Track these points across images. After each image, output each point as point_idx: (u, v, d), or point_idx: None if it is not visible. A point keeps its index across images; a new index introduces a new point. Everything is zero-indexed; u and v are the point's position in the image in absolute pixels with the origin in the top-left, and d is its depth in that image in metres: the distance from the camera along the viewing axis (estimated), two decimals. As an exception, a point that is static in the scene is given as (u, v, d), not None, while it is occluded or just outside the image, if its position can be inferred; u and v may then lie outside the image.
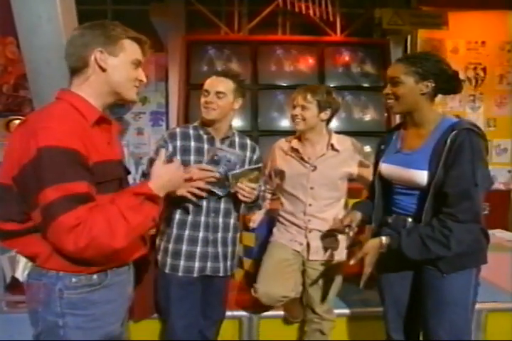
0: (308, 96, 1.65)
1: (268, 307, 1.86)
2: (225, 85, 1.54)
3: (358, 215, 1.47)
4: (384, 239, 1.28)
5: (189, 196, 1.41)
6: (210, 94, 1.53)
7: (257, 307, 1.84)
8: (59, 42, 1.61)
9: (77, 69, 1.05)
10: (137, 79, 1.09)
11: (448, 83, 1.32)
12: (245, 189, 1.47)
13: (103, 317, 1.05)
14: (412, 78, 1.29)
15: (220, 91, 1.53)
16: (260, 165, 1.58)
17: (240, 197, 1.49)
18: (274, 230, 1.83)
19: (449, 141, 1.23)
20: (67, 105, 1.02)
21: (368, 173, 1.63)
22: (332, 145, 1.70)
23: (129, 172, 1.21)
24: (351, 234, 1.45)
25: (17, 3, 1.60)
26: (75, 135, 0.95)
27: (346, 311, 1.98)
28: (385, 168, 1.40)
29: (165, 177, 1.07)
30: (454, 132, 1.24)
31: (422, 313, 1.35)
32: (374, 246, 1.28)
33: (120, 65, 1.05)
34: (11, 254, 2.17)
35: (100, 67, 1.03)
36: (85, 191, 0.94)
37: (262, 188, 1.74)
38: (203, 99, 1.54)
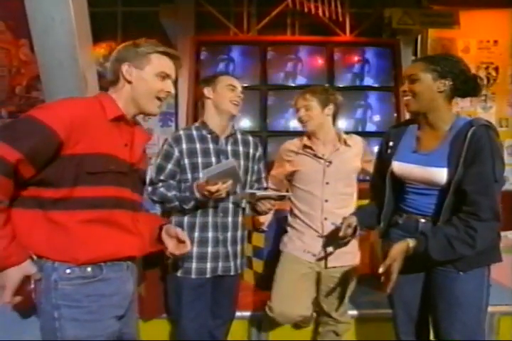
0: (308, 96, 1.70)
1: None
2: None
3: (353, 220, 1.47)
4: (411, 242, 1.24)
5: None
6: (238, 89, 1.61)
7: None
8: (72, 43, 1.63)
9: (112, 81, 1.16)
10: (162, 90, 1.15)
11: (466, 84, 1.31)
12: (267, 205, 1.54)
13: (100, 310, 1.07)
14: (429, 75, 1.30)
15: (241, 95, 1.64)
16: (286, 194, 1.64)
17: (258, 208, 1.57)
18: (285, 239, 1.79)
19: (468, 136, 1.23)
20: (93, 100, 1.13)
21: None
22: (345, 141, 1.73)
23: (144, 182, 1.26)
24: (347, 234, 1.46)
25: (31, 6, 1.63)
26: (65, 119, 1.01)
27: (355, 313, 1.97)
28: (399, 166, 1.38)
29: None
30: (472, 128, 1.24)
31: (434, 314, 1.33)
32: (402, 251, 1.24)
33: (144, 77, 1.13)
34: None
35: (126, 80, 1.13)
36: (10, 159, 0.95)
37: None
38: (232, 95, 1.59)
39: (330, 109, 1.72)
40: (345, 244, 1.62)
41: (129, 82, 1.13)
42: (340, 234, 1.45)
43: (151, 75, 1.13)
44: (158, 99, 1.15)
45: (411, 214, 1.36)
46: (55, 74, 1.66)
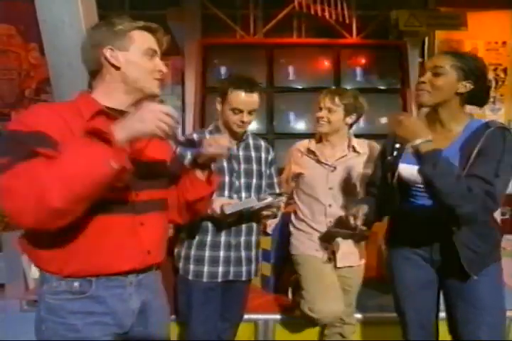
0: (336, 100, 1.64)
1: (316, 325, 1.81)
2: (257, 101, 1.54)
3: (364, 207, 1.36)
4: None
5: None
6: (244, 113, 1.50)
7: (273, 310, 1.84)
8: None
9: (94, 72, 1.02)
10: (155, 70, 1.01)
11: (481, 91, 1.28)
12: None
13: (88, 328, 0.96)
14: (455, 72, 1.24)
15: (254, 109, 1.54)
16: (270, 200, 1.52)
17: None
18: (295, 242, 1.77)
19: (484, 135, 1.20)
20: (68, 104, 1.00)
21: None
22: (354, 148, 1.70)
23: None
24: (359, 222, 1.33)
25: (42, 9, 1.66)
26: (51, 122, 0.90)
27: (362, 316, 1.96)
28: (405, 169, 1.32)
29: (134, 117, 0.86)
30: (490, 129, 1.21)
31: (455, 318, 1.31)
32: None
33: (132, 58, 0.99)
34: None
35: (113, 66, 0.98)
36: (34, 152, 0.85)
37: (281, 198, 1.74)
38: (235, 118, 1.50)
39: (352, 118, 1.68)
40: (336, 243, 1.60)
41: (117, 68, 0.98)
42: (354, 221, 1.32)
43: (138, 55, 0.99)
44: (156, 79, 1.02)
45: (419, 221, 1.31)
46: (65, 75, 1.68)
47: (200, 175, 1.14)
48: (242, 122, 1.51)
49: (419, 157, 1.16)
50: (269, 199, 1.49)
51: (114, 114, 0.98)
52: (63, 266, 0.95)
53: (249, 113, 1.52)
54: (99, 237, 0.95)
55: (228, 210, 1.41)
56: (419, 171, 1.18)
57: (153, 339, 1.09)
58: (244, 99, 1.50)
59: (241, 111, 1.51)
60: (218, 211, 1.43)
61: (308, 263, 1.73)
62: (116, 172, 0.83)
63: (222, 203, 1.44)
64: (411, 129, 1.17)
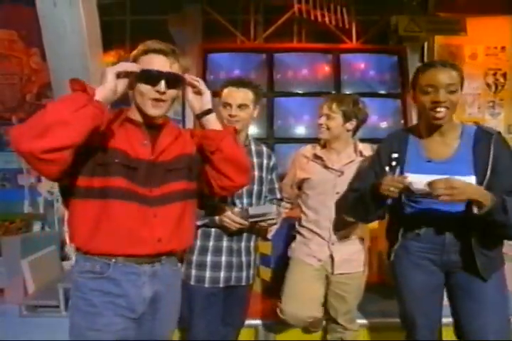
0: (334, 106, 1.65)
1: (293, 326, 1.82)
2: (246, 96, 1.53)
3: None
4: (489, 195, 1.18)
5: None
6: (233, 107, 1.52)
7: (274, 315, 1.82)
8: (83, 51, 1.68)
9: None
10: (153, 90, 1.10)
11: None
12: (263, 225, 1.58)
13: (102, 305, 1.10)
14: (460, 86, 1.28)
15: (243, 104, 1.52)
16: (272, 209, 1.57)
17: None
18: (294, 245, 1.79)
19: (492, 144, 1.25)
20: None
21: None
22: (361, 152, 1.70)
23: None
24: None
25: (44, 15, 1.68)
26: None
27: (364, 322, 1.94)
28: (418, 178, 1.26)
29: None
30: (493, 136, 1.26)
31: (462, 319, 1.32)
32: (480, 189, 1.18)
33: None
34: (31, 258, 2.22)
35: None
36: None
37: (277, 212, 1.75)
38: (225, 113, 1.53)
39: (352, 124, 1.67)
40: None
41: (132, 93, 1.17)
42: None
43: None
44: (153, 99, 1.12)
45: (430, 226, 1.32)
46: (66, 80, 1.69)
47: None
48: (230, 116, 1.51)
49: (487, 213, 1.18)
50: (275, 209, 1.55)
51: (137, 124, 1.17)
52: (85, 242, 1.11)
53: (239, 107, 1.52)
54: (116, 221, 1.09)
55: (252, 210, 1.47)
56: (493, 222, 1.20)
57: (159, 329, 1.20)
58: (232, 93, 1.53)
59: (229, 105, 1.52)
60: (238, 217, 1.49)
61: (295, 267, 1.75)
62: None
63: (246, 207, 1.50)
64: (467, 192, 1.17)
